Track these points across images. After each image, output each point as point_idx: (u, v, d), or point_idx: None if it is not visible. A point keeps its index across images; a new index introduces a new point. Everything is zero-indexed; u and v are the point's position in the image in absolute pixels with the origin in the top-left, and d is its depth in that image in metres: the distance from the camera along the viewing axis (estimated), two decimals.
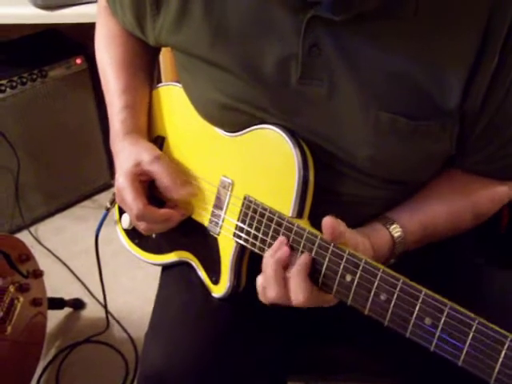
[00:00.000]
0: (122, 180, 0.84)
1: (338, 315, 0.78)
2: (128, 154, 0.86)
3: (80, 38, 1.84)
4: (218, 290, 0.85)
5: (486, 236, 0.92)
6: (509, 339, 0.54)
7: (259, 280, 0.74)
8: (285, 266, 0.71)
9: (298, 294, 0.69)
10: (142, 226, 0.86)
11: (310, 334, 0.94)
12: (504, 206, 0.87)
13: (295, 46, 0.73)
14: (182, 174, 0.88)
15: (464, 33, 0.68)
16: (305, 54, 0.73)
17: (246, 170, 0.81)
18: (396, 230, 0.77)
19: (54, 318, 1.63)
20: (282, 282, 0.71)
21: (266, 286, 0.72)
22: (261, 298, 0.74)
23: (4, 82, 1.68)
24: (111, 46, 0.96)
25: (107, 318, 1.51)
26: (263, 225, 0.76)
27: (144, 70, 0.97)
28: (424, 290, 0.60)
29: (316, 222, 0.72)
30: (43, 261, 1.53)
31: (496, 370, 0.55)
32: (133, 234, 0.97)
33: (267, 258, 0.73)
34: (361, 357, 0.93)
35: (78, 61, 1.81)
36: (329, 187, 0.79)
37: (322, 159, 0.77)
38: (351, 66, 0.71)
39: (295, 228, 0.72)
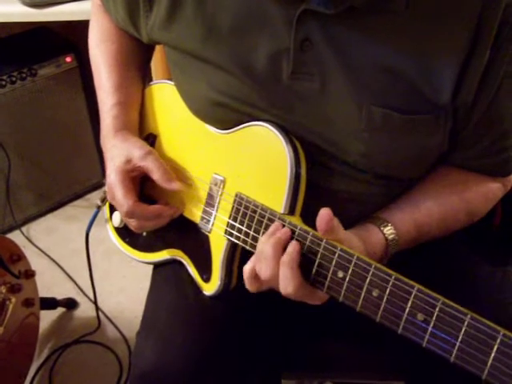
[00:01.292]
0: (112, 177, 0.84)
1: (332, 311, 0.78)
2: (119, 151, 0.86)
3: (70, 36, 1.83)
4: (209, 288, 0.84)
5: (480, 234, 0.92)
6: (501, 334, 0.54)
7: (248, 266, 0.72)
8: (284, 247, 0.70)
9: (287, 284, 0.68)
10: (133, 224, 0.86)
11: (304, 331, 0.94)
12: (497, 204, 0.87)
13: (287, 40, 0.72)
14: (173, 170, 0.87)
15: (455, 28, 0.68)
16: (296, 49, 0.72)
17: (238, 167, 0.81)
18: (390, 232, 0.77)
19: (47, 318, 1.63)
20: (279, 261, 0.69)
21: (262, 267, 0.70)
22: (249, 286, 0.73)
23: None
24: (105, 43, 0.95)
25: (98, 317, 1.51)
26: (255, 222, 0.76)
27: (137, 67, 0.97)
28: (417, 286, 0.60)
29: (308, 220, 0.71)
30: (35, 261, 1.52)
31: (488, 364, 0.54)
32: (123, 232, 0.97)
33: (264, 238, 0.71)
34: (355, 353, 0.93)
35: (68, 59, 1.79)
36: (322, 184, 0.79)
37: (314, 156, 0.77)
38: (343, 60, 0.71)
39: (287, 225, 0.72)
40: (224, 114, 0.81)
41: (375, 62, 0.70)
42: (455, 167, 0.82)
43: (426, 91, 0.70)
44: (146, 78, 0.99)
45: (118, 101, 0.91)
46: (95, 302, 1.29)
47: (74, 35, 1.78)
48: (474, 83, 0.70)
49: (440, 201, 0.81)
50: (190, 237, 0.87)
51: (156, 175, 0.83)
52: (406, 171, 0.80)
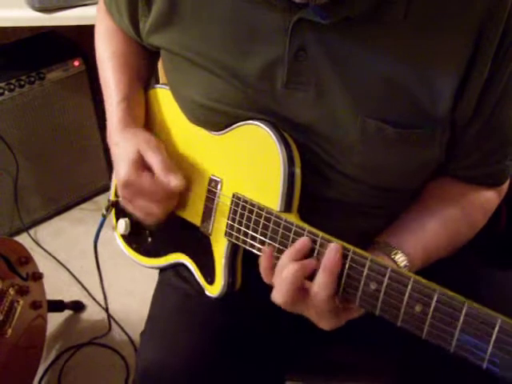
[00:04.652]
0: (126, 171, 0.81)
1: None
2: (130, 144, 0.84)
3: (78, 40, 1.85)
4: (214, 290, 0.84)
5: (485, 237, 0.91)
6: (499, 320, 0.53)
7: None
8: (308, 276, 0.67)
9: (321, 289, 0.65)
10: (151, 208, 0.83)
11: (310, 333, 0.93)
12: (502, 207, 0.87)
13: (281, 49, 0.72)
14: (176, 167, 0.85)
15: (456, 39, 0.67)
16: (291, 58, 0.71)
17: (233, 168, 0.80)
18: (402, 259, 0.73)
19: (54, 320, 1.63)
20: (299, 290, 0.66)
21: (277, 288, 0.67)
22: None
23: (2, 84, 1.68)
24: (111, 40, 0.95)
25: (109, 321, 1.51)
26: (252, 221, 0.76)
27: (139, 68, 0.96)
28: (412, 277, 0.60)
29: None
30: (43, 263, 1.53)
31: (488, 352, 0.54)
32: (130, 239, 0.98)
33: (288, 259, 0.67)
34: (360, 357, 0.92)
35: (76, 63, 1.81)
36: (316, 193, 0.78)
37: (310, 163, 0.76)
38: (339, 70, 0.70)
39: (283, 223, 0.71)
40: (216, 118, 0.80)
41: (373, 73, 0.69)
42: (452, 179, 0.81)
43: (425, 103, 0.69)
44: (148, 81, 0.98)
45: (126, 96, 0.90)
46: (106, 308, 1.29)
47: (81, 39, 1.79)
48: (475, 95, 0.69)
49: (445, 221, 0.79)
50: (193, 240, 0.87)
51: (155, 169, 0.81)
52: (402, 182, 0.79)
